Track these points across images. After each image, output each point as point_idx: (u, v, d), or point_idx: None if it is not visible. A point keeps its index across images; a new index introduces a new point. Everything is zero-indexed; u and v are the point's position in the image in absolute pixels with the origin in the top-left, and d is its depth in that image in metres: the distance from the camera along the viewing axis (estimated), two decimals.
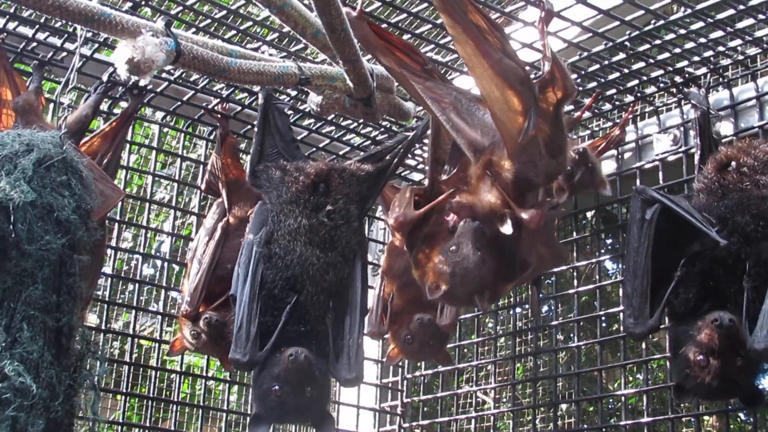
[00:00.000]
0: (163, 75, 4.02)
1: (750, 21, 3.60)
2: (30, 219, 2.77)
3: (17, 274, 2.75)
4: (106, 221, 3.78)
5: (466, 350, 4.95)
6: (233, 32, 3.81)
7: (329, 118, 4.25)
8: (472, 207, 3.06)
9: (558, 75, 2.92)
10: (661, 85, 4.04)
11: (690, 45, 3.78)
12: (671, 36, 3.73)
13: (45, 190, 2.84)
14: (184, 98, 4.20)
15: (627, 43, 3.75)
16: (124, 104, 4.07)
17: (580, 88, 4.04)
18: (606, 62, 3.89)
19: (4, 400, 2.61)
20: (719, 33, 3.69)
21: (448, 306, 3.83)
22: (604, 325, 5.05)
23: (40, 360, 2.71)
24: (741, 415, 6.56)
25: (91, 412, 2.92)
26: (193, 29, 3.75)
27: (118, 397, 4.25)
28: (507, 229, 2.93)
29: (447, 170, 3.41)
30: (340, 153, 4.60)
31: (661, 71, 3.95)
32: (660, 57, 3.86)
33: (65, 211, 2.86)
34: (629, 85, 4.06)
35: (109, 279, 4.29)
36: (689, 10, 3.56)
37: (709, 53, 3.82)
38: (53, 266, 2.82)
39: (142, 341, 5.44)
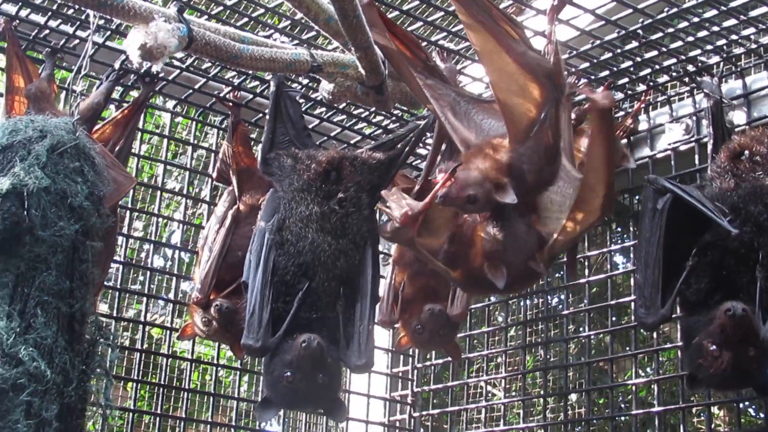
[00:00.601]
0: (175, 63, 4.03)
1: (763, 9, 3.58)
2: (44, 205, 2.78)
3: (31, 260, 2.77)
4: (118, 209, 3.79)
5: (476, 340, 4.96)
6: (245, 19, 3.82)
7: (341, 106, 4.25)
8: (467, 173, 3.03)
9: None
10: (674, 74, 4.03)
11: (703, 33, 3.76)
12: (684, 24, 3.72)
13: (58, 177, 2.86)
14: (196, 86, 4.21)
15: (639, 31, 3.74)
16: (135, 92, 4.08)
17: (592, 77, 4.04)
18: (618, 51, 3.88)
19: (19, 385, 2.62)
20: (732, 21, 3.67)
21: (464, 294, 3.83)
22: (614, 318, 5.04)
23: (53, 345, 2.72)
24: (751, 410, 6.55)
25: (104, 398, 2.94)
26: (205, 16, 3.75)
27: (129, 385, 4.27)
28: (509, 198, 2.91)
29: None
30: (352, 142, 4.60)
31: (674, 60, 3.94)
32: (673, 45, 3.85)
33: (78, 197, 2.87)
34: (642, 74, 4.05)
35: (120, 267, 4.30)
36: None
37: (722, 42, 3.81)
38: (66, 252, 2.83)
39: (153, 330, 5.47)
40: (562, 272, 4.77)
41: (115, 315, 4.22)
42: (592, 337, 4.52)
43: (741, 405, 4.14)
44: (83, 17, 3.68)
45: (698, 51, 3.87)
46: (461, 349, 4.51)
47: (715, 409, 5.71)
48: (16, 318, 2.70)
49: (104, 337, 3.00)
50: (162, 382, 4.41)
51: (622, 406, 6.02)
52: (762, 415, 4.42)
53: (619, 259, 6.21)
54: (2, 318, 2.69)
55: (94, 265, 2.97)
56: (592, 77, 4.04)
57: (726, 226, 3.17)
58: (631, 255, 4.55)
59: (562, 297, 4.73)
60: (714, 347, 3.12)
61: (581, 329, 4.30)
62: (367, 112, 4.44)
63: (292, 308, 3.37)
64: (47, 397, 2.66)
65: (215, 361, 4.62)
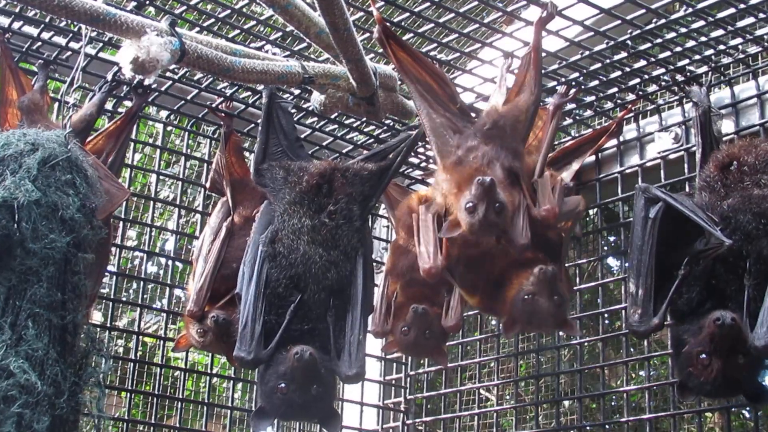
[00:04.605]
0: (168, 74, 4.04)
1: (750, 20, 3.61)
2: (35, 218, 2.80)
3: (22, 273, 2.78)
4: (111, 220, 3.80)
5: (469, 347, 4.97)
6: (237, 31, 3.83)
7: (332, 116, 4.27)
8: None
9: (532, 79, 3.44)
10: (663, 83, 4.05)
11: (691, 43, 3.79)
12: (672, 35, 3.74)
13: (50, 189, 2.87)
14: (189, 97, 4.22)
15: (628, 41, 3.76)
16: (128, 103, 4.10)
17: (582, 86, 4.06)
18: (607, 61, 3.91)
19: (10, 396, 2.64)
20: (720, 32, 3.70)
21: (458, 305, 3.87)
22: (606, 322, 5.06)
23: (45, 357, 2.74)
24: (745, 412, 6.55)
25: (97, 409, 2.95)
26: (197, 28, 3.77)
27: (123, 394, 4.27)
28: None
29: None
30: (343, 151, 4.62)
31: (663, 70, 3.96)
32: (661, 55, 3.88)
33: (70, 209, 2.89)
34: (631, 83, 4.07)
35: (114, 277, 4.31)
36: (690, 9, 3.58)
37: (710, 52, 3.84)
38: (58, 265, 2.84)
39: (147, 339, 5.47)
40: None
41: (108, 324, 4.22)
42: (585, 342, 4.53)
43: (734, 407, 4.15)
44: (76, 29, 3.70)
45: (686, 61, 3.90)
46: (454, 356, 4.52)
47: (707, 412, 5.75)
48: (7, 330, 2.72)
49: (97, 349, 3.01)
50: (156, 391, 4.41)
51: (615, 408, 6.04)
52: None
53: (612, 261, 6.25)
54: None
55: (87, 276, 2.99)
56: (582, 87, 4.06)
57: (719, 236, 3.19)
58: (623, 262, 4.57)
59: None
60: (704, 356, 3.14)
61: (573, 335, 4.31)
62: (358, 122, 4.46)
63: (285, 320, 3.40)
64: (38, 408, 2.68)
65: (209, 370, 4.62)
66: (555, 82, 4.03)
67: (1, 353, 2.68)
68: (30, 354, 2.72)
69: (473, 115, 3.62)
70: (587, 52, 3.86)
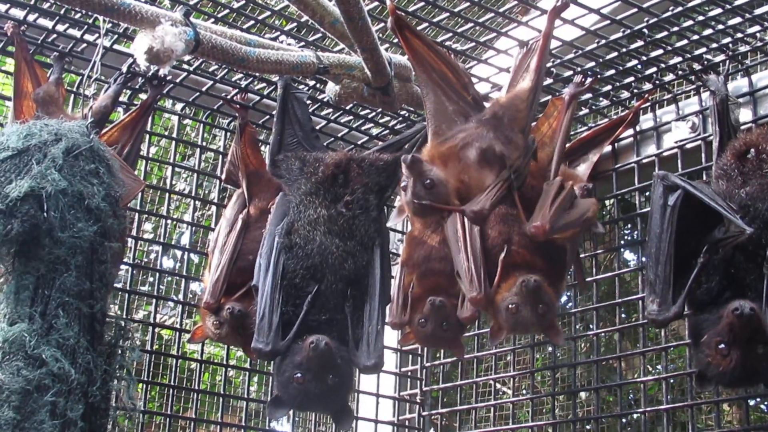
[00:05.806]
0: (183, 66, 4.04)
1: None
2: (62, 207, 2.83)
3: (51, 262, 2.82)
4: (127, 211, 3.81)
5: (485, 339, 4.95)
6: (251, 22, 3.83)
7: (347, 107, 4.26)
8: None
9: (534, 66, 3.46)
10: (680, 72, 4.03)
11: (708, 32, 3.77)
12: (689, 23, 3.72)
13: (75, 179, 2.91)
14: (203, 89, 4.22)
15: (645, 30, 3.74)
16: (143, 95, 4.10)
17: (598, 76, 4.04)
18: (624, 50, 3.88)
19: (43, 385, 2.67)
20: (737, 19, 3.67)
21: None
22: (623, 315, 5.04)
23: (76, 346, 2.79)
24: (763, 406, 6.53)
25: (128, 397, 2.97)
26: (212, 19, 3.77)
27: (140, 386, 4.27)
28: None
29: None
30: (359, 142, 4.61)
31: (680, 58, 3.93)
32: (678, 44, 3.85)
33: (95, 198, 2.92)
34: (647, 72, 4.05)
35: (130, 269, 4.32)
36: None
37: (727, 40, 3.81)
38: (85, 253, 2.89)
39: (163, 331, 5.49)
40: (570, 269, 4.76)
41: (125, 317, 4.22)
42: (602, 334, 4.50)
43: (752, 402, 4.13)
44: (91, 21, 3.71)
45: (704, 49, 3.86)
46: (470, 347, 4.51)
47: (725, 406, 5.72)
48: (37, 320, 2.76)
49: (126, 338, 3.04)
50: (172, 383, 4.43)
51: (632, 403, 6.02)
52: None
53: (629, 255, 6.22)
54: (24, 320, 2.75)
55: (112, 265, 3.02)
56: (598, 76, 4.03)
57: (740, 224, 3.15)
58: (640, 254, 4.54)
59: (570, 295, 4.72)
60: (723, 346, 3.11)
61: (590, 327, 4.28)
62: (373, 113, 4.45)
63: (302, 311, 3.40)
64: (72, 397, 2.72)
65: (225, 362, 4.63)
66: (571, 72, 4.01)
67: (33, 342, 2.71)
68: (61, 343, 2.76)
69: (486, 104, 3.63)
70: (603, 41, 3.84)
